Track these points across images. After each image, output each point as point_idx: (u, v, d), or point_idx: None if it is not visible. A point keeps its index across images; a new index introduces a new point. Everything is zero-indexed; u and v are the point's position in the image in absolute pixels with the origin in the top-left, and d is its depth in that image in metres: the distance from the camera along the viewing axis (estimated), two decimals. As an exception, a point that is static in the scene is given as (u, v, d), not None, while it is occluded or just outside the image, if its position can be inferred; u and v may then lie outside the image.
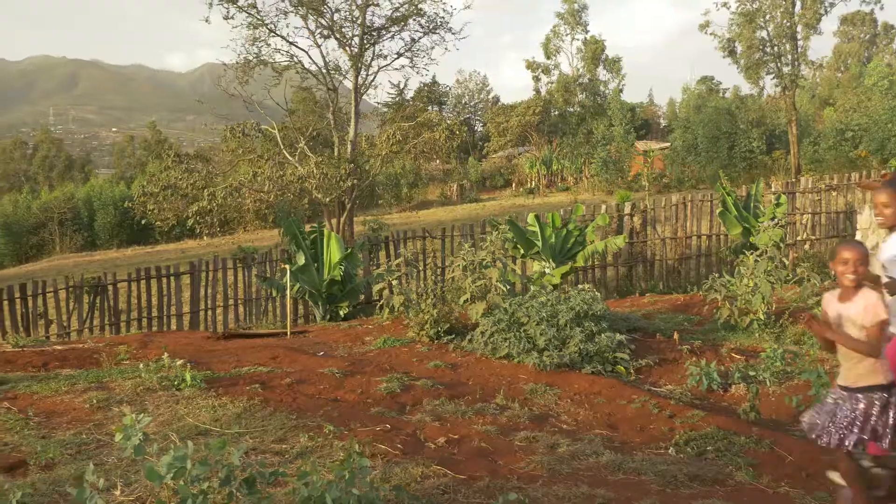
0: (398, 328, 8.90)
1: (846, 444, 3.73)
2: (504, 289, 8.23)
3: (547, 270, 12.06)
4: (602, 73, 57.21)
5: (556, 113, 58.28)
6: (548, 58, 58.72)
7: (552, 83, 58.46)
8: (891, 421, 3.71)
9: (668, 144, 44.60)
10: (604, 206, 14.93)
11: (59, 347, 9.26)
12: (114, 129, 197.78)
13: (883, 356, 3.75)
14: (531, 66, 59.71)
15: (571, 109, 57.04)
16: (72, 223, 45.89)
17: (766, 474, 4.53)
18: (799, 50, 36.84)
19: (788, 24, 36.11)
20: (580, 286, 8.41)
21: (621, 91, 54.41)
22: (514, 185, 49.61)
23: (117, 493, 4.09)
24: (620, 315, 8.33)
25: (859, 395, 3.76)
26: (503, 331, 7.24)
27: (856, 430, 3.71)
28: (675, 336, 7.67)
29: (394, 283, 9.68)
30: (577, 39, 57.30)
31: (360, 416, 5.59)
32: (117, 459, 4.63)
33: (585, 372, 6.69)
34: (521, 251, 12.75)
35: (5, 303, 13.51)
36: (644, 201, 16.05)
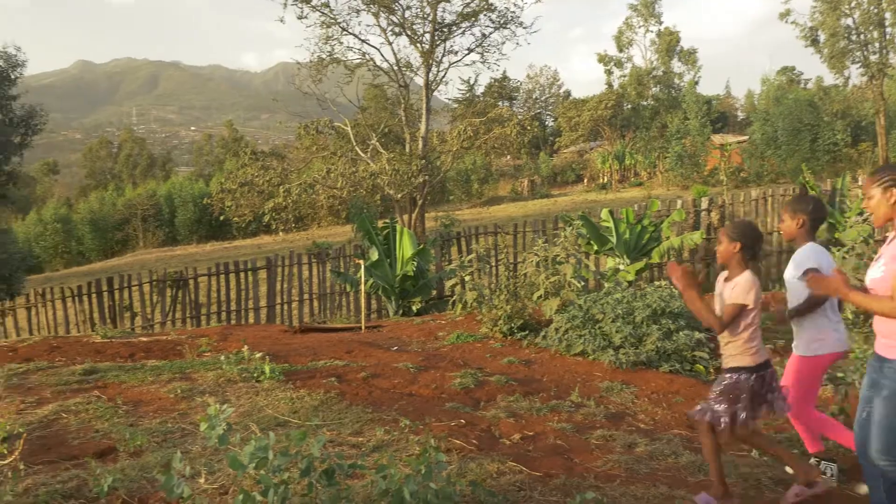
0: (471, 324, 8.90)
1: (713, 419, 3.89)
2: (578, 285, 8.14)
3: (621, 267, 11.87)
4: (676, 66, 56.04)
5: (629, 107, 57.33)
6: (620, 51, 57.84)
7: (625, 76, 57.54)
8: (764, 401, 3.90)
9: (746, 138, 43.28)
10: (679, 202, 14.60)
11: (144, 339, 9.61)
12: (193, 128, 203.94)
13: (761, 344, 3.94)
14: (603, 59, 58.89)
15: (645, 103, 56.03)
16: (154, 219, 47.56)
17: (854, 479, 4.36)
18: (887, 37, 35.25)
19: (876, 10, 34.58)
20: (656, 283, 8.24)
21: (696, 83, 53.15)
22: (585, 180, 49.04)
23: (201, 480, 4.21)
24: (698, 312, 8.12)
25: (727, 375, 3.95)
26: (578, 327, 7.15)
27: (725, 407, 3.88)
28: (757, 335, 7.43)
29: (466, 278, 9.68)
30: (651, 31, 56.29)
31: (435, 411, 5.60)
32: (201, 448, 4.76)
33: (663, 370, 6.56)
34: (595, 247, 12.58)
35: (94, 296, 14.11)
36: (722, 196, 15.63)
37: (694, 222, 14.17)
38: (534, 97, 66.23)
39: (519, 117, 25.79)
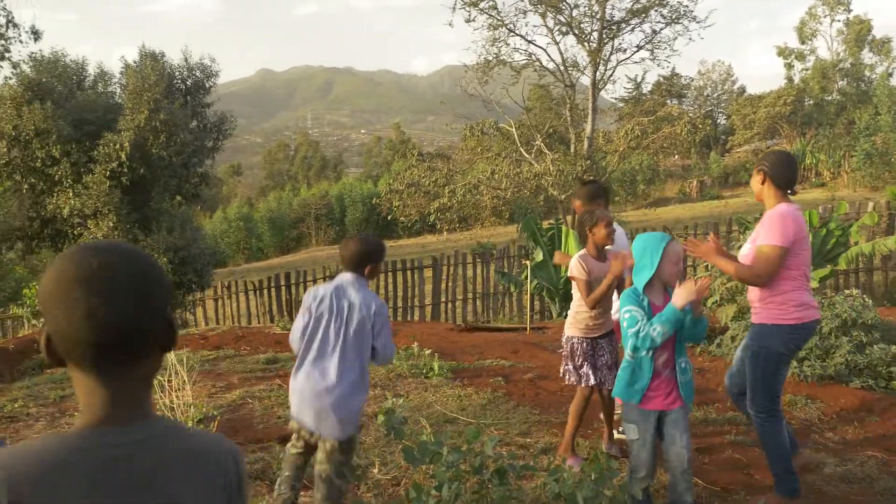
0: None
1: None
2: (757, 291, 7.67)
3: (803, 273, 11.07)
4: (867, 57, 51.65)
5: (811, 102, 53.54)
6: (802, 42, 54.14)
7: (807, 70, 53.81)
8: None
9: (948, 134, 39.14)
10: (870, 204, 13.42)
11: (319, 332, 10.10)
12: (363, 131, 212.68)
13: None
14: (783, 52, 55.40)
15: (829, 98, 52.11)
16: (326, 218, 49.99)
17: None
18: None
19: None
20: (845, 291, 7.62)
21: (890, 75, 48.72)
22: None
23: (375, 470, 4.35)
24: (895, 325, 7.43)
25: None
26: (757, 336, 6.74)
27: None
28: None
29: (634, 281, 9.40)
30: (838, 20, 52.24)
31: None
32: (374, 439, 4.93)
33: (853, 386, 6.05)
34: (773, 252, 11.81)
35: (273, 289, 15.02)
36: (921, 198, 14.22)
37: (888, 226, 12.99)
38: (705, 94, 63.41)
39: (690, 115, 24.80)
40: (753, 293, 4.04)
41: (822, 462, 4.59)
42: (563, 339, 4.74)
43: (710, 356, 7.17)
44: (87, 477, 1.14)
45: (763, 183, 4.12)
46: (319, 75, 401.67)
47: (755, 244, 3.97)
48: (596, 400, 5.64)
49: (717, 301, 7.77)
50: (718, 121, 61.79)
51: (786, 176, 4.09)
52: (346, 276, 3.60)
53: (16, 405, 6.14)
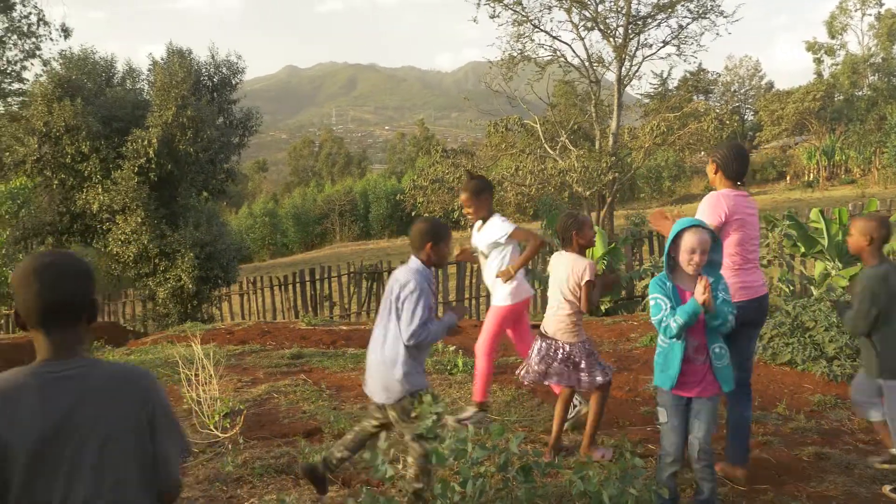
0: (664, 326, 8.58)
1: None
2: (787, 289, 7.58)
3: (832, 271, 10.93)
4: (899, 51, 50.81)
5: (841, 97, 52.76)
6: (832, 37, 53.41)
7: (837, 65, 53.06)
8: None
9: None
10: (902, 201, 13.21)
11: (343, 328, 10.16)
12: (386, 128, 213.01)
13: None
14: (812, 47, 54.68)
15: (860, 93, 51.32)
16: (350, 214, 50.18)
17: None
18: None
19: None
20: (876, 290, 7.50)
21: (923, 70, 47.92)
22: (788, 177, 45.78)
23: (400, 465, 4.35)
24: (927, 325, 7.29)
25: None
26: (785, 335, 6.67)
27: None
28: None
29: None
30: (869, 14, 51.42)
31: (629, 414, 5.46)
32: (398, 434, 4.93)
33: (884, 386, 5.95)
34: (801, 249, 11.66)
35: (298, 285, 15.12)
36: (954, 195, 13.95)
37: (920, 224, 12.75)
38: (732, 90, 62.70)
39: (716, 111, 24.56)
40: None
41: (852, 463, 4.52)
42: (577, 344, 4.57)
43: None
44: (38, 391, 1.75)
45: (715, 173, 4.38)
46: (344, 72, 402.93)
47: None
48: (619, 396, 5.61)
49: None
50: (746, 117, 61.08)
51: (735, 168, 4.30)
52: (410, 260, 3.86)
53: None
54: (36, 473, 1.70)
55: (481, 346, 5.15)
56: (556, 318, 4.59)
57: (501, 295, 5.08)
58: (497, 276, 4.95)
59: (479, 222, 5.23)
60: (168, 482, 1.91)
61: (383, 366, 3.69)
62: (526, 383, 4.84)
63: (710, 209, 4.19)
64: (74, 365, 1.80)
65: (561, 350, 4.55)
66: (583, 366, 4.51)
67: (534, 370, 4.61)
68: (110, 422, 1.78)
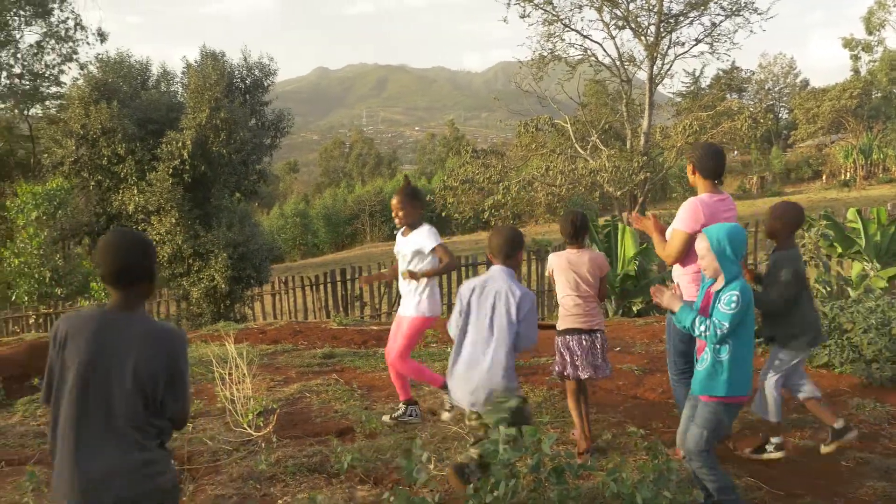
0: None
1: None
2: (824, 291, 7.46)
3: (871, 272, 10.73)
4: (940, 47, 49.72)
5: (879, 95, 51.77)
6: (870, 33, 52.41)
7: (874, 62, 52.08)
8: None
9: None
10: (943, 201, 12.94)
11: (374, 328, 10.19)
12: (416, 128, 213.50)
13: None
14: (849, 43, 53.74)
15: (898, 90, 50.34)
16: (380, 215, 50.35)
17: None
18: None
19: None
20: (917, 291, 7.36)
21: (964, 67, 46.83)
22: (824, 176, 45.07)
23: (431, 466, 4.36)
24: (969, 327, 7.13)
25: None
26: (822, 337, 6.55)
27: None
28: None
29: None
30: (908, 10, 50.32)
31: (662, 416, 5.40)
32: (430, 435, 4.94)
33: (925, 389, 5.83)
34: (838, 250, 11.46)
35: (329, 285, 15.20)
36: None
37: (961, 224, 12.46)
38: (766, 88, 61.85)
39: (750, 110, 24.26)
40: (675, 270, 4.51)
41: (892, 468, 4.43)
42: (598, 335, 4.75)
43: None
44: (97, 326, 2.45)
45: (693, 174, 4.47)
46: (374, 73, 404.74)
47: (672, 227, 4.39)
48: (652, 398, 5.57)
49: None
50: (780, 115, 60.20)
51: (711, 167, 4.37)
52: (494, 268, 3.99)
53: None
54: (83, 379, 2.41)
55: (397, 354, 5.19)
56: (592, 309, 4.70)
57: (424, 306, 5.15)
58: (403, 275, 5.07)
59: (406, 228, 5.31)
60: (177, 412, 2.53)
61: (490, 372, 3.77)
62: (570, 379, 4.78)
63: (687, 216, 4.31)
64: (126, 316, 2.48)
65: (599, 340, 4.67)
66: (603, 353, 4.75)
67: (584, 366, 4.65)
68: (137, 361, 2.40)
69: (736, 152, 42.44)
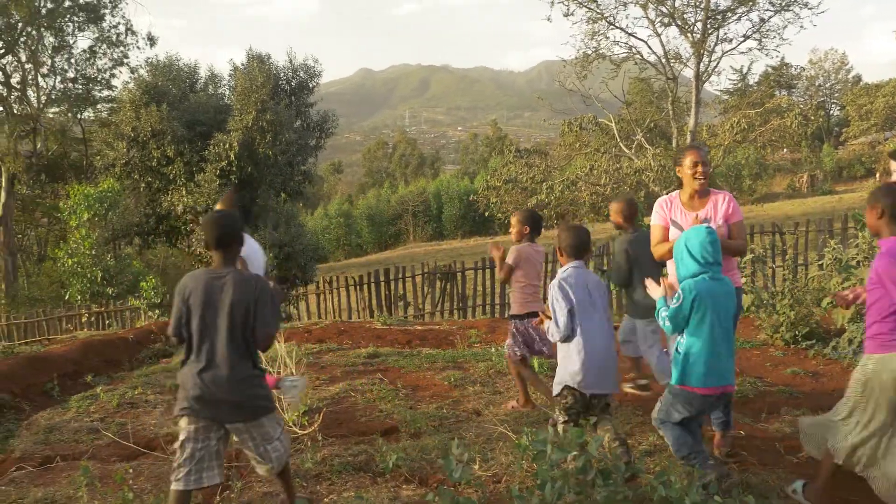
0: (746, 329, 8.33)
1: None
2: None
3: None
4: None
5: (935, 90, 50.20)
6: (926, 27, 50.79)
7: (931, 56, 50.45)
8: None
9: None
10: None
11: (418, 328, 10.22)
12: (459, 128, 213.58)
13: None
14: (903, 38, 52.14)
15: (956, 85, 48.74)
16: (423, 215, 50.55)
17: None
18: None
19: None
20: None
21: None
22: (878, 174, 43.84)
23: (476, 467, 4.35)
24: None
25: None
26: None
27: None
28: None
29: (742, 280, 9.07)
30: (967, 2, 48.76)
31: (710, 420, 5.30)
32: (475, 435, 4.93)
33: None
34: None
35: (372, 285, 15.28)
36: None
37: None
38: (817, 84, 60.45)
39: (800, 107, 23.73)
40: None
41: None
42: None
43: (825, 359, 6.83)
44: (205, 281, 3.39)
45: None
46: (416, 73, 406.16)
47: (740, 218, 4.53)
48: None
49: (832, 301, 7.40)
50: (832, 112, 58.80)
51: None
52: (576, 263, 4.33)
53: (135, 392, 6.49)
54: (202, 320, 3.35)
55: None
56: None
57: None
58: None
59: None
60: (262, 333, 3.39)
61: (614, 357, 4.26)
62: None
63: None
64: (225, 272, 3.42)
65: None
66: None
67: (543, 344, 5.37)
68: (235, 302, 3.34)
69: (785, 150, 41.58)
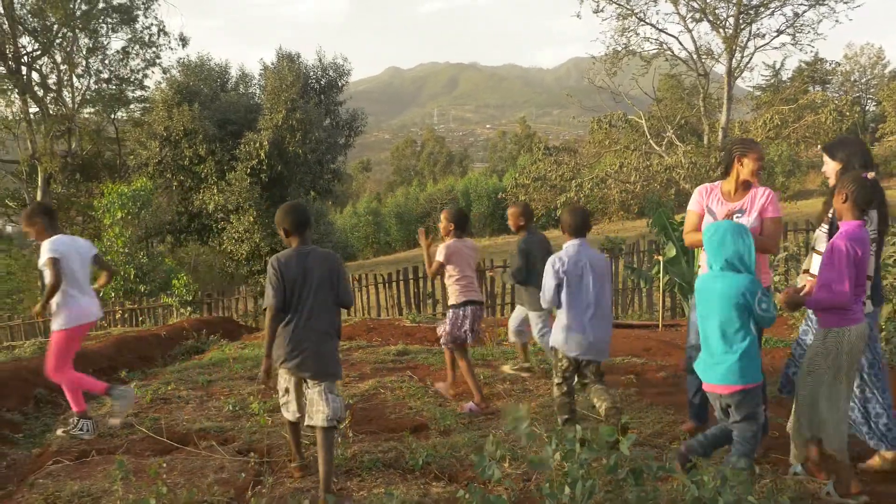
0: (781, 329, 8.22)
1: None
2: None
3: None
4: None
5: (975, 85, 49.06)
6: (965, 20, 49.71)
7: (970, 50, 49.30)
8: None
9: None
10: None
11: (447, 325, 10.21)
12: (487, 126, 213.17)
13: None
14: (942, 32, 51.01)
15: None
16: (452, 213, 50.49)
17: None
18: None
19: None
20: None
21: None
22: (914, 171, 42.97)
23: (506, 465, 4.33)
24: None
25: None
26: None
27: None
28: None
29: (775, 279, 8.95)
30: None
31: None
32: (504, 433, 4.91)
33: None
34: (932, 248, 10.92)
35: (401, 283, 15.32)
36: None
37: None
38: (852, 79, 59.35)
39: (835, 103, 23.33)
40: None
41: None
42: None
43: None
44: (296, 257, 4.06)
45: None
46: (445, 71, 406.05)
47: (776, 215, 4.43)
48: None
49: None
50: (867, 108, 57.74)
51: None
52: (577, 241, 4.73)
53: (168, 388, 6.57)
54: (299, 293, 3.99)
55: (52, 368, 5.26)
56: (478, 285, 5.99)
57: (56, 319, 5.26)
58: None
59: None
60: (346, 298, 4.19)
61: (609, 325, 4.76)
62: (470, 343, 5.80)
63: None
64: (308, 249, 4.08)
65: (480, 310, 5.86)
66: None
67: (475, 331, 5.75)
68: (321, 272, 4.04)
69: (819, 147, 40.93)
